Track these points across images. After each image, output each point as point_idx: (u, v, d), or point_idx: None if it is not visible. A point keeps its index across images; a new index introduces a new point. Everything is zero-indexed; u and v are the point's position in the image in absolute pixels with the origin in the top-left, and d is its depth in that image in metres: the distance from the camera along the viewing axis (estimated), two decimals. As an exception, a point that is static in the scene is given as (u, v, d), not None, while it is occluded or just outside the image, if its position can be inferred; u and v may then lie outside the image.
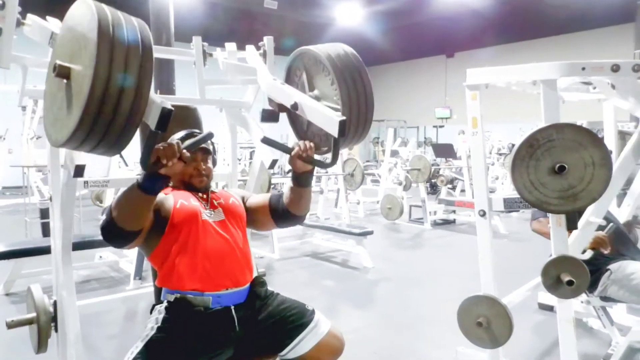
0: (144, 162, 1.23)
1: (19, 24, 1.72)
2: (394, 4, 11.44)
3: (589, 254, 2.40)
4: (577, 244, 2.18)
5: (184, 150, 1.29)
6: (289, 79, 1.88)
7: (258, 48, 2.40)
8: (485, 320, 2.09)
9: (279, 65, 2.46)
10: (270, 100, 1.79)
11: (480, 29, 13.30)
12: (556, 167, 1.77)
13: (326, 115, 1.52)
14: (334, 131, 1.49)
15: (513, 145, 8.96)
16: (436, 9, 11.73)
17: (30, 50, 1.78)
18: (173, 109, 1.16)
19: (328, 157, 1.64)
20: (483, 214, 2.19)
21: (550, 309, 3.39)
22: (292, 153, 1.54)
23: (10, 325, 1.83)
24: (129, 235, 1.42)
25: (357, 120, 1.64)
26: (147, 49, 1.14)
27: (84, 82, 1.08)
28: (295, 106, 1.62)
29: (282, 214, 1.73)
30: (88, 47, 1.09)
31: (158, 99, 1.18)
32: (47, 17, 1.76)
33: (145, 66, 1.12)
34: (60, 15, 1.85)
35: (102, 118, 1.08)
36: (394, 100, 18.42)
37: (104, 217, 1.40)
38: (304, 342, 1.63)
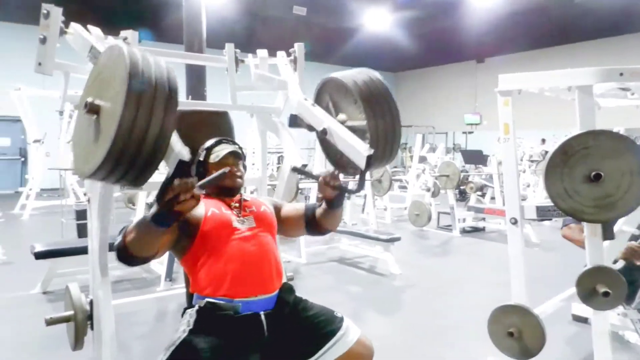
0: (159, 198, 1.27)
1: (62, 32, 1.79)
2: (422, 9, 11.38)
3: (620, 264, 2.33)
4: (609, 254, 2.12)
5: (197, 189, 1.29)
6: (318, 99, 1.91)
7: (288, 54, 2.43)
8: (517, 331, 2.06)
9: (309, 72, 2.50)
10: (301, 119, 1.83)
11: (512, 34, 13.07)
12: (592, 175, 1.73)
13: (355, 148, 1.58)
14: (361, 163, 1.56)
15: (546, 152, 8.77)
16: (466, 14, 11.59)
17: (72, 57, 1.85)
18: (190, 159, 1.22)
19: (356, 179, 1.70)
20: (515, 222, 2.16)
21: (584, 320, 3.29)
22: (319, 180, 1.63)
23: (49, 322, 1.90)
24: (139, 260, 1.47)
25: (384, 147, 1.69)
26: (172, 94, 1.19)
27: (111, 121, 1.14)
28: (324, 132, 1.69)
29: (315, 227, 1.81)
30: (118, 89, 1.15)
31: (177, 147, 1.23)
32: (89, 26, 1.83)
33: (169, 111, 1.17)
34: (100, 24, 1.93)
35: (126, 155, 1.14)
36: (423, 106, 18.28)
37: (119, 238, 1.44)
38: (333, 350, 1.62)
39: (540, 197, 7.93)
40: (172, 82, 1.20)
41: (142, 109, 1.12)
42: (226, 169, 1.42)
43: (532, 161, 9.20)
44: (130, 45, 1.96)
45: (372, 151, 1.55)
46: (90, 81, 1.36)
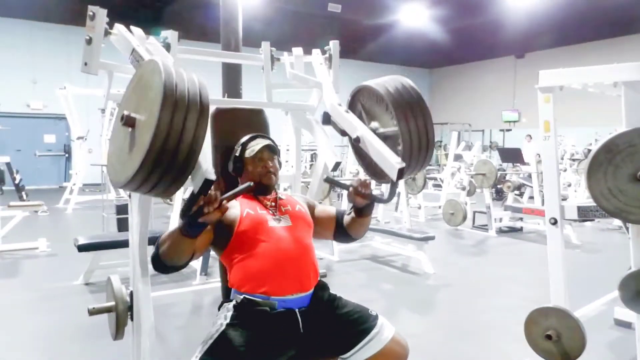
0: (183, 213, 1.32)
1: (107, 33, 1.85)
2: (460, 3, 11.15)
3: None
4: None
5: (223, 202, 1.34)
6: (352, 106, 1.94)
7: (323, 52, 2.43)
8: (555, 334, 2.00)
9: (344, 69, 2.50)
10: (334, 124, 1.86)
11: (554, 28, 12.65)
12: (638, 174, 1.67)
13: (387, 160, 1.61)
14: (392, 175, 1.59)
15: (589, 150, 8.46)
16: (505, 8, 11.29)
17: (114, 56, 1.92)
18: (215, 179, 1.25)
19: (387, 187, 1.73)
20: (554, 222, 2.10)
21: (628, 325, 3.16)
22: (350, 190, 1.65)
23: (92, 312, 1.97)
24: (173, 269, 1.54)
25: (417, 156, 1.71)
26: (204, 109, 1.23)
27: (146, 133, 1.19)
28: (357, 140, 1.72)
29: (343, 233, 1.85)
30: (153, 104, 1.19)
31: (204, 166, 1.26)
32: (132, 27, 1.89)
33: (201, 125, 1.22)
34: (140, 24, 1.99)
35: (159, 167, 1.20)
36: (459, 102, 17.95)
37: (154, 249, 1.51)
38: (367, 348, 1.62)
39: (581, 196, 7.67)
40: (204, 97, 1.25)
41: (175, 123, 1.17)
42: (250, 183, 1.46)
43: (573, 160, 8.90)
44: (172, 45, 2.01)
45: (403, 164, 1.58)
46: (127, 94, 1.42)
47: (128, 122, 1.28)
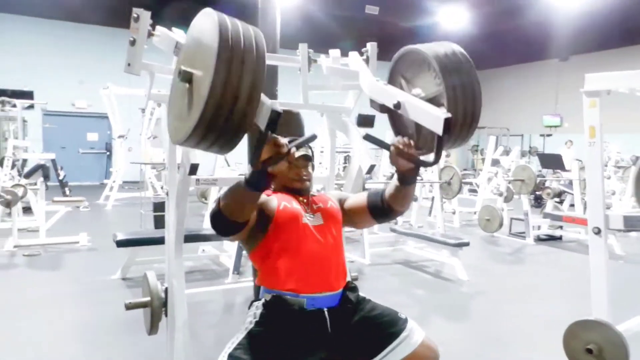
0: (253, 159, 1.29)
1: (150, 35, 1.90)
2: (502, 4, 10.90)
3: None
4: None
5: (291, 150, 1.33)
6: (392, 79, 1.86)
7: (361, 54, 2.42)
8: (596, 348, 1.92)
9: (381, 72, 2.47)
10: (372, 102, 1.78)
11: (600, 30, 12.18)
12: (691, 183, 1.58)
13: (430, 113, 1.45)
14: (438, 129, 1.41)
15: (637, 157, 8.11)
16: (549, 10, 10.96)
17: (155, 58, 1.97)
18: (282, 111, 1.21)
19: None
20: (598, 231, 2.02)
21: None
22: (392, 150, 1.50)
23: (129, 307, 2.03)
24: (233, 225, 1.49)
25: (463, 119, 1.56)
26: (260, 57, 1.20)
27: (204, 86, 1.17)
28: (398, 105, 1.57)
29: (383, 210, 1.71)
30: (209, 55, 1.17)
31: (268, 102, 1.24)
32: (173, 29, 1.93)
33: (258, 72, 1.19)
34: (176, 24, 2.03)
35: (218, 119, 1.17)
36: (497, 106, 17.51)
37: (214, 205, 1.49)
38: (397, 351, 1.61)
39: (627, 205, 7.35)
40: (260, 45, 1.21)
41: (232, 73, 1.14)
42: (315, 133, 1.45)
43: (618, 167, 8.55)
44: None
45: (449, 115, 1.41)
46: (183, 53, 1.42)
47: (185, 77, 1.26)
